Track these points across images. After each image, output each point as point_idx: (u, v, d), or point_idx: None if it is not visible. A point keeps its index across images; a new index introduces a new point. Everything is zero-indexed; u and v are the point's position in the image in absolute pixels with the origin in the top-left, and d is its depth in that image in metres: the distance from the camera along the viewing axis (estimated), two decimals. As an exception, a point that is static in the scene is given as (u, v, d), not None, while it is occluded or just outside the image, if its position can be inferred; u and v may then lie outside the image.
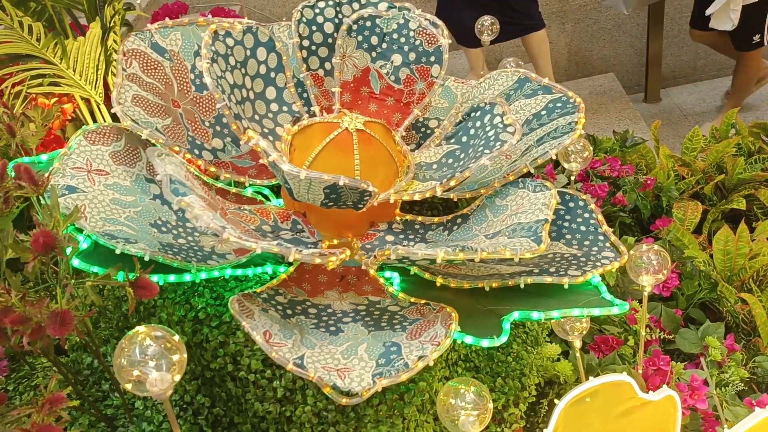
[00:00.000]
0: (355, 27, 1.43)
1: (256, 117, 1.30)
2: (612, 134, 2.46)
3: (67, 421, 0.96)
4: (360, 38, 1.44)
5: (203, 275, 1.17)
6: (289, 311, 1.14)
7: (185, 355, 0.90)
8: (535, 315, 1.14)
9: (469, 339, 1.09)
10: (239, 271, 1.21)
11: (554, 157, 1.35)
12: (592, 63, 4.44)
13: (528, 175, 1.31)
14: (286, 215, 1.28)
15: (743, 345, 1.62)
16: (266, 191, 1.38)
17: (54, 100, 1.80)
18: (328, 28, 1.44)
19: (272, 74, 1.33)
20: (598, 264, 1.21)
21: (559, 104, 1.35)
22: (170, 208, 1.24)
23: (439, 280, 1.22)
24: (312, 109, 1.41)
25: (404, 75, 1.44)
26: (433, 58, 1.42)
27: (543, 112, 1.36)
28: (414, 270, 1.25)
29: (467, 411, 0.99)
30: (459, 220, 1.32)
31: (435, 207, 1.43)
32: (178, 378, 0.89)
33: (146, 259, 1.09)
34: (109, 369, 1.18)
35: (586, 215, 1.31)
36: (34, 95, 1.80)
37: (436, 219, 1.34)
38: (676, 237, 1.87)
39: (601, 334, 1.55)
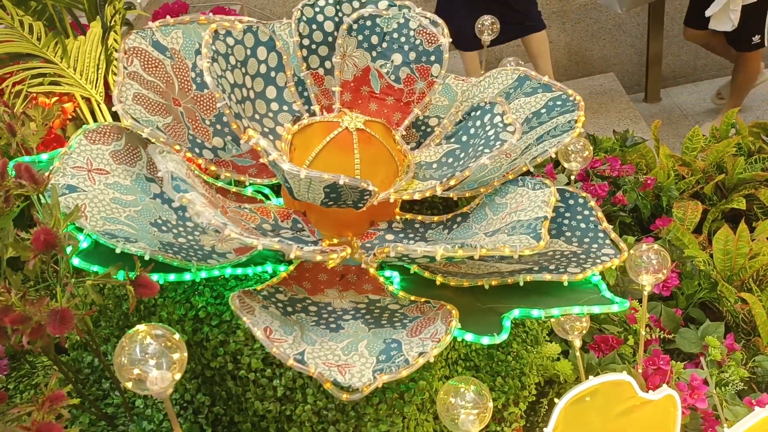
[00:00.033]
0: (355, 26, 1.43)
1: (257, 116, 1.30)
2: (612, 134, 2.46)
3: (68, 419, 0.96)
4: (360, 37, 1.44)
5: (203, 274, 1.17)
6: (289, 309, 1.14)
7: (185, 354, 0.90)
8: (535, 313, 1.14)
9: (469, 336, 1.09)
10: (239, 270, 1.21)
11: (554, 157, 1.35)
12: (592, 63, 4.44)
13: (528, 173, 1.31)
14: (287, 214, 1.28)
15: (743, 344, 1.62)
16: (266, 190, 1.38)
17: (54, 99, 1.80)
18: (329, 26, 1.44)
19: (272, 73, 1.33)
20: (598, 261, 1.21)
21: (558, 102, 1.35)
22: (170, 207, 1.24)
23: (439, 279, 1.22)
24: (312, 108, 1.41)
25: (404, 74, 1.44)
26: (433, 58, 1.42)
27: (543, 111, 1.36)
28: (414, 269, 1.25)
29: (467, 410, 0.99)
30: (459, 219, 1.32)
31: (435, 206, 1.43)
32: (178, 376, 0.89)
33: (146, 258, 1.09)
34: (109, 367, 1.18)
35: (586, 212, 1.31)
36: (34, 94, 1.80)
37: (436, 218, 1.34)
38: (676, 237, 1.87)
39: (601, 334, 1.55)
